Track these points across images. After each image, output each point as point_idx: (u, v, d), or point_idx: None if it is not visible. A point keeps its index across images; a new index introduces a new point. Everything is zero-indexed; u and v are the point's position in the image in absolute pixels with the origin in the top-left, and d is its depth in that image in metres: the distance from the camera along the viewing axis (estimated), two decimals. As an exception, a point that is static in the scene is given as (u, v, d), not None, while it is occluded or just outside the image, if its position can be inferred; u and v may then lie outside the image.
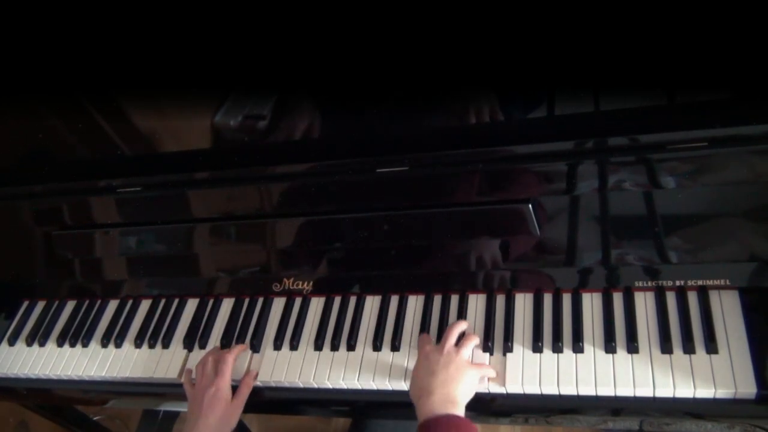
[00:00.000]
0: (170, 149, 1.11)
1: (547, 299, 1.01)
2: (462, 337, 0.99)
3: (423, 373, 0.93)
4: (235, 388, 1.05)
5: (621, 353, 0.93)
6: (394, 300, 1.09)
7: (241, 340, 1.12)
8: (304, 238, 1.09)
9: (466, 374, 0.92)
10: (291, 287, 1.15)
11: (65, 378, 1.18)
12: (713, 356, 0.89)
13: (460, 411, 0.88)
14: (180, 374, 1.11)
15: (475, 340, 0.98)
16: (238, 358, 1.08)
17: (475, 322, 1.03)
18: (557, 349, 0.95)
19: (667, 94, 0.86)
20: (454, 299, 1.06)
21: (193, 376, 1.08)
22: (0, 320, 1.31)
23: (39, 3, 0.97)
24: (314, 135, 1.02)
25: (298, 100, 1.02)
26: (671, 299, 0.95)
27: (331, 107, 1.01)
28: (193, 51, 0.99)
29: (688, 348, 0.90)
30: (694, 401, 0.88)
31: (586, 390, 0.91)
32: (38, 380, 1.21)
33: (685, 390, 0.87)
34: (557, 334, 0.96)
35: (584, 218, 0.96)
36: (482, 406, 0.97)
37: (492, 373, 0.96)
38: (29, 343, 1.25)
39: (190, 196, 1.11)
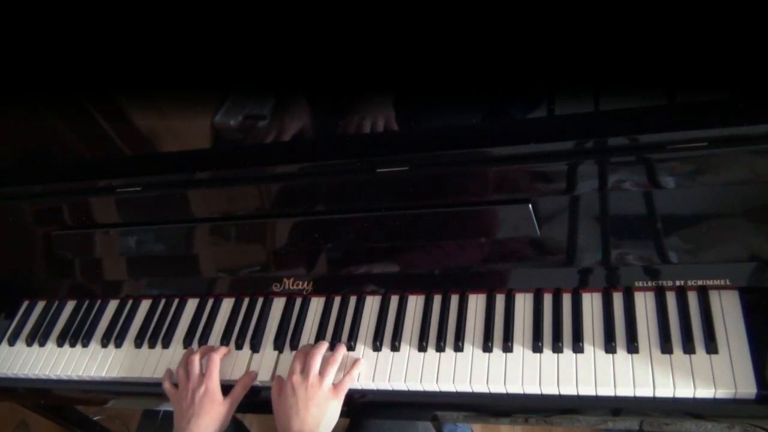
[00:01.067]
0: (170, 149, 1.11)
1: (547, 299, 1.01)
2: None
3: (286, 407, 0.95)
4: (225, 388, 1.04)
5: (621, 353, 0.93)
6: (394, 300, 1.09)
7: (241, 340, 1.12)
8: (304, 238, 1.09)
9: (328, 409, 0.95)
10: (291, 287, 1.15)
11: (65, 378, 1.18)
12: (713, 356, 0.89)
13: None
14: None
15: (336, 364, 1.00)
16: (238, 358, 1.09)
17: (475, 322, 1.03)
18: (557, 349, 0.95)
19: (667, 94, 0.86)
20: (454, 299, 1.06)
21: (175, 380, 1.07)
22: (0, 320, 1.31)
23: (39, 3, 0.97)
24: (314, 135, 1.02)
25: (298, 100, 1.02)
26: (671, 299, 0.95)
27: (331, 107, 1.01)
28: (193, 51, 0.99)
29: (688, 348, 0.90)
30: (694, 401, 0.88)
31: (586, 390, 0.91)
32: (38, 380, 1.21)
33: (685, 390, 0.87)
34: (557, 334, 0.96)
35: (584, 218, 0.96)
36: (482, 406, 0.97)
37: (359, 369, 1.00)
38: (29, 343, 1.25)
39: (190, 196, 1.11)
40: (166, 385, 1.08)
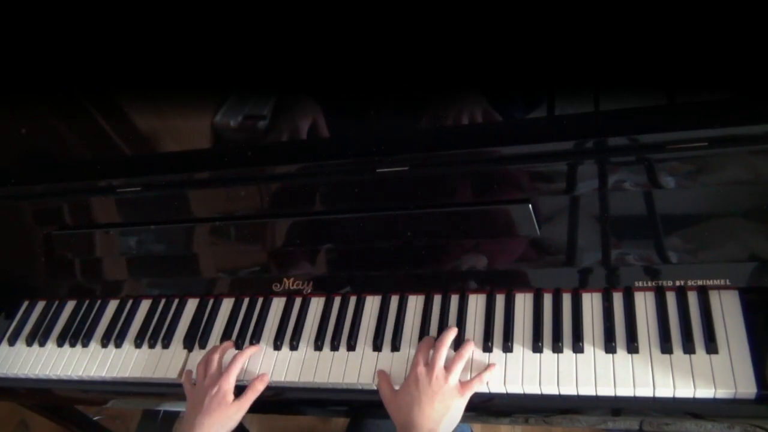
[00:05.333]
0: (170, 149, 1.11)
1: (547, 299, 1.01)
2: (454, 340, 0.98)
3: (409, 403, 0.91)
4: (239, 389, 1.04)
5: (621, 353, 0.93)
6: (394, 300, 1.09)
7: (240, 340, 1.12)
8: (304, 238, 1.09)
9: (453, 407, 0.91)
10: (291, 287, 1.15)
11: (65, 378, 1.18)
12: (713, 356, 0.89)
13: None
14: (180, 374, 1.11)
15: (463, 361, 0.95)
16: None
17: (475, 322, 1.03)
18: (557, 349, 0.95)
19: (667, 94, 0.86)
20: (454, 299, 1.06)
21: (194, 376, 1.07)
22: (0, 320, 1.31)
23: (39, 3, 0.97)
24: (314, 135, 1.02)
25: (298, 100, 1.02)
26: (671, 299, 0.95)
27: (331, 107, 1.01)
28: (193, 51, 0.99)
29: (688, 348, 0.90)
30: (694, 401, 0.88)
31: (586, 390, 0.91)
32: (38, 380, 1.21)
33: (685, 390, 0.87)
34: (557, 334, 0.96)
35: (584, 218, 0.96)
36: (482, 406, 0.97)
37: (490, 377, 0.95)
38: (29, 343, 1.25)
39: (190, 196, 1.11)
40: (186, 383, 1.07)
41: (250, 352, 1.08)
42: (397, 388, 0.97)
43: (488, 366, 0.96)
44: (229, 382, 1.02)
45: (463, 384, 0.93)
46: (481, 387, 0.95)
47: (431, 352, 0.97)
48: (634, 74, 0.86)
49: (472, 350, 0.98)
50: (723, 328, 0.91)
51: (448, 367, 0.94)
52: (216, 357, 1.06)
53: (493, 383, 0.95)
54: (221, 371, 1.03)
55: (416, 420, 0.89)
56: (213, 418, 0.99)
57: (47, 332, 1.25)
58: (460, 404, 0.92)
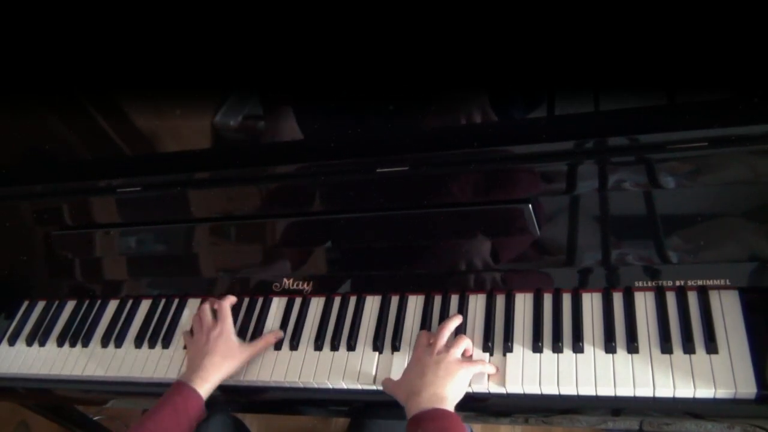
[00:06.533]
0: (170, 149, 1.11)
1: (547, 299, 1.01)
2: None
3: (412, 376, 0.93)
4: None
5: (621, 353, 0.93)
6: (394, 300, 1.09)
7: (240, 340, 1.11)
8: (304, 238, 1.09)
9: (456, 374, 0.91)
10: (291, 287, 1.15)
11: (65, 378, 1.18)
12: (713, 356, 0.89)
13: (449, 407, 0.88)
14: (180, 374, 1.11)
15: (465, 342, 0.97)
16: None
17: (475, 322, 1.03)
18: (557, 349, 0.95)
19: (667, 94, 0.86)
20: (454, 299, 1.06)
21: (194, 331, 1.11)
22: (0, 320, 1.31)
23: (39, 3, 0.97)
24: (314, 135, 1.02)
25: (299, 100, 1.02)
26: (671, 299, 0.95)
27: (332, 107, 1.01)
28: (193, 51, 0.99)
29: (688, 348, 0.90)
30: (694, 401, 0.88)
31: (586, 390, 0.91)
32: (38, 380, 1.21)
33: (685, 390, 0.87)
34: (557, 334, 0.96)
35: (584, 218, 0.96)
36: (482, 406, 0.97)
37: (490, 369, 0.95)
38: (29, 343, 1.25)
39: (190, 196, 1.11)
40: (186, 338, 1.12)
41: (231, 299, 1.13)
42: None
43: (495, 368, 0.96)
44: (227, 324, 1.07)
45: (465, 360, 0.95)
46: (482, 370, 0.95)
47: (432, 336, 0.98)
48: (634, 74, 0.86)
49: (469, 341, 0.99)
50: (723, 328, 0.91)
51: (449, 345, 0.96)
52: (207, 307, 1.11)
53: (492, 384, 0.95)
54: (217, 318, 1.08)
55: (421, 387, 0.90)
56: (220, 356, 1.02)
57: (47, 332, 1.25)
58: (463, 374, 0.92)
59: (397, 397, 0.94)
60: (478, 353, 0.99)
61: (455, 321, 1.00)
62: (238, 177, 1.07)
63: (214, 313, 1.11)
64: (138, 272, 1.23)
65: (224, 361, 1.02)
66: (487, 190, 0.97)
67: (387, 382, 0.98)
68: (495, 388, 0.95)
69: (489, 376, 0.96)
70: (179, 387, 0.99)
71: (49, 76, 1.07)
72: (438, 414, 0.85)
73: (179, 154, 1.10)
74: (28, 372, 1.20)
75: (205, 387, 0.99)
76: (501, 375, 0.96)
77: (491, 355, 0.99)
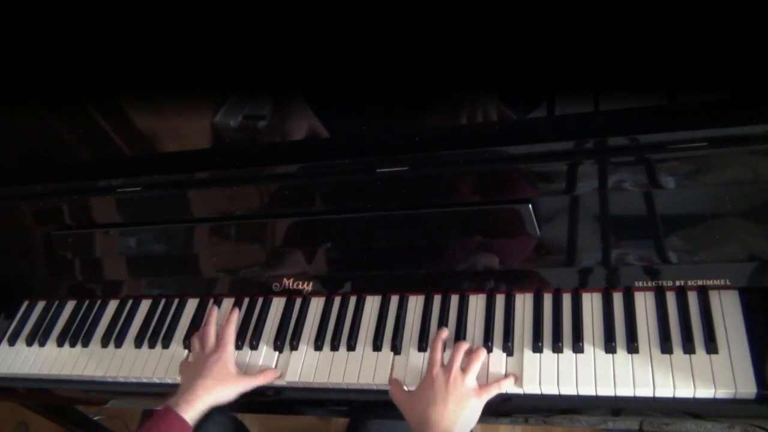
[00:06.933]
0: (170, 149, 1.11)
1: (547, 299, 1.01)
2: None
3: (425, 403, 0.91)
4: None
5: (621, 353, 0.93)
6: (394, 300, 1.09)
7: (240, 340, 1.12)
8: (304, 238, 1.09)
9: (468, 406, 0.90)
10: (291, 287, 1.15)
11: (65, 378, 1.18)
12: (713, 356, 0.89)
13: None
14: (179, 374, 1.11)
15: (480, 361, 0.95)
16: (238, 358, 1.08)
17: (475, 322, 1.03)
18: (557, 349, 0.95)
19: (667, 94, 0.86)
20: (454, 299, 1.06)
21: (192, 353, 1.10)
22: (0, 320, 1.31)
23: (39, 3, 0.97)
24: (314, 135, 1.02)
25: (298, 99, 1.02)
26: (671, 299, 0.95)
27: (331, 107, 1.01)
28: (192, 51, 0.98)
29: (688, 348, 0.90)
30: (694, 401, 0.88)
31: (586, 390, 0.91)
32: (38, 380, 1.21)
33: (685, 390, 0.87)
34: (557, 334, 0.96)
35: (584, 218, 0.96)
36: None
37: (508, 383, 0.94)
38: (29, 343, 1.25)
39: (190, 196, 1.11)
40: (181, 365, 1.10)
41: (234, 318, 1.11)
42: (406, 389, 0.98)
43: (507, 375, 0.95)
44: (228, 351, 1.04)
45: (481, 387, 0.93)
46: (498, 391, 0.94)
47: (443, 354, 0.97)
48: (634, 74, 0.85)
49: (486, 353, 0.98)
50: (723, 328, 0.91)
51: (464, 368, 0.94)
52: (212, 330, 1.09)
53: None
54: (219, 343, 1.06)
55: (432, 419, 0.88)
56: (215, 381, 1.00)
57: (47, 332, 1.25)
58: (476, 405, 0.92)
59: (405, 416, 0.94)
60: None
61: (466, 345, 0.98)
62: (238, 177, 1.07)
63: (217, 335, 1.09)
64: (138, 272, 1.23)
65: (217, 385, 0.99)
66: (487, 190, 0.97)
67: (396, 391, 0.97)
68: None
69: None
70: (165, 413, 0.95)
71: (49, 76, 1.07)
72: None
73: (179, 154, 1.10)
74: (28, 372, 1.20)
75: (192, 412, 0.96)
76: (501, 372, 0.95)
77: (491, 354, 0.98)
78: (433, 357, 0.97)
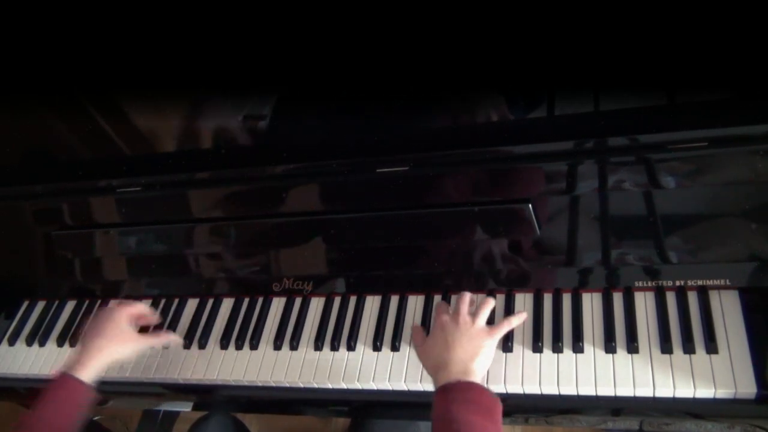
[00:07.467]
0: (170, 149, 1.11)
1: (547, 299, 1.01)
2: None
3: (439, 347, 0.91)
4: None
5: (621, 353, 0.93)
6: (394, 300, 1.09)
7: (240, 339, 1.12)
8: (304, 238, 1.09)
9: (483, 347, 0.90)
10: (291, 287, 1.15)
11: (65, 378, 1.18)
12: (713, 356, 0.89)
13: (477, 380, 0.87)
14: (179, 374, 1.11)
15: (490, 305, 0.96)
16: (238, 358, 1.09)
17: (475, 322, 1.03)
18: (557, 349, 0.95)
19: (667, 94, 0.86)
20: (454, 299, 1.06)
21: None
22: (0, 320, 1.31)
23: (39, 3, 0.97)
24: (314, 135, 1.02)
25: (298, 99, 1.02)
26: (671, 299, 0.95)
27: (332, 107, 1.01)
28: (193, 51, 0.99)
29: (688, 348, 0.90)
30: (694, 401, 0.88)
31: (586, 390, 0.91)
32: (38, 380, 1.21)
33: (685, 390, 0.87)
34: (557, 334, 0.96)
35: (584, 218, 0.96)
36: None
37: (517, 321, 0.95)
38: (29, 343, 1.25)
39: (190, 196, 1.11)
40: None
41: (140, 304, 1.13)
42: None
43: (518, 312, 0.96)
44: (120, 310, 1.07)
45: (491, 327, 0.93)
46: (509, 328, 0.94)
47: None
48: (634, 74, 0.86)
49: (494, 301, 0.98)
50: (723, 328, 0.91)
51: (473, 313, 0.94)
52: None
53: (493, 383, 0.95)
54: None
55: (447, 359, 0.88)
56: (107, 340, 1.02)
57: (47, 332, 1.25)
58: (490, 344, 0.91)
59: (422, 363, 0.94)
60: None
61: (470, 295, 0.98)
62: (238, 177, 1.07)
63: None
64: (138, 272, 1.23)
65: (109, 344, 1.01)
66: (487, 190, 0.97)
67: (417, 338, 0.98)
68: (495, 388, 0.95)
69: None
70: (62, 381, 0.96)
71: (49, 76, 1.07)
72: (466, 386, 0.85)
73: (179, 154, 1.10)
74: (28, 372, 1.20)
75: (88, 373, 0.97)
76: (501, 377, 0.95)
77: (491, 355, 0.99)
78: (439, 310, 0.97)
